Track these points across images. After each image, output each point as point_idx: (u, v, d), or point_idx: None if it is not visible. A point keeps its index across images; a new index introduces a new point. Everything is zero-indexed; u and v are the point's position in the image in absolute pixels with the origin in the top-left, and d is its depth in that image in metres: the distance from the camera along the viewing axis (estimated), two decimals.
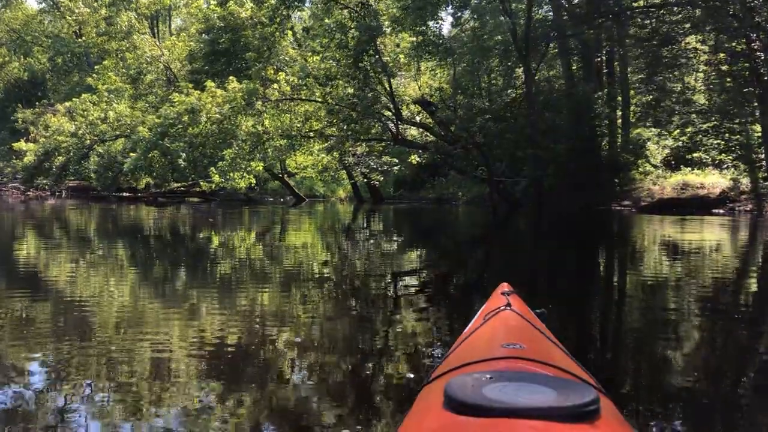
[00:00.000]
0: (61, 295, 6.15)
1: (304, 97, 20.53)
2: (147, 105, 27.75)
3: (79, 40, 40.05)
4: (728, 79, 19.93)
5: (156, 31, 39.37)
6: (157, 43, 31.62)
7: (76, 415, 2.96)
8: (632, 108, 22.63)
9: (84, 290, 6.44)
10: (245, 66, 26.56)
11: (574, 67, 22.80)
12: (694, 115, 20.86)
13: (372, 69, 19.91)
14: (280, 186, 29.96)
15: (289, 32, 25.77)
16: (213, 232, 14.39)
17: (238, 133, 20.18)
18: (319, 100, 20.33)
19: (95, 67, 33.49)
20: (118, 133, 27.70)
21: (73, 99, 29.98)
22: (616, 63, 22.80)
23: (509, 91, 23.23)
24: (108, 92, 28.76)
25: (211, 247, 11.24)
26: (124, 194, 31.80)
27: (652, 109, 21.59)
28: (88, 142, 28.08)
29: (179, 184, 27.89)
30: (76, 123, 28.28)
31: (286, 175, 27.61)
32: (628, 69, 22.46)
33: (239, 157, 20.41)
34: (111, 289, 6.55)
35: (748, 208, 17.97)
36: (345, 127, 20.81)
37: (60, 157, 29.11)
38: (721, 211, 18.06)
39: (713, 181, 19.47)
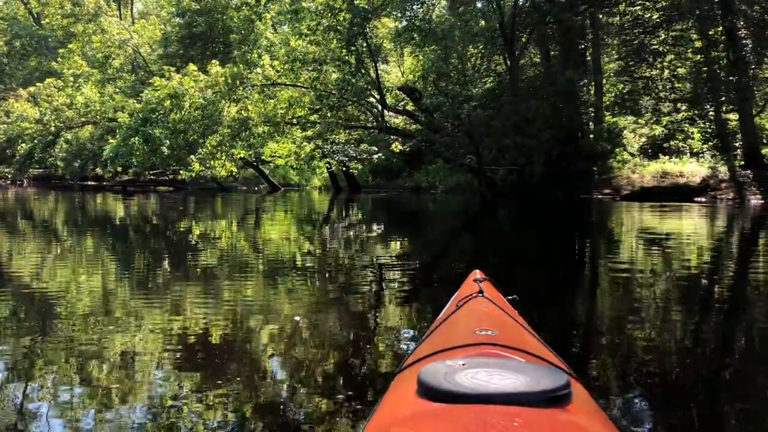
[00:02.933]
0: (26, 287, 6.10)
1: (289, 83, 20.24)
2: (117, 90, 27.35)
3: (43, 22, 39.29)
4: (704, 68, 20.25)
5: (119, 15, 38.77)
6: (126, 26, 31.17)
7: (40, 410, 2.95)
8: (608, 96, 22.95)
9: (50, 282, 6.39)
10: (223, 50, 26.23)
11: (552, 54, 22.96)
12: (671, 104, 21.15)
13: (364, 53, 19.65)
14: (253, 174, 29.76)
15: (267, 15, 25.52)
16: (184, 222, 14.29)
17: (224, 119, 19.82)
18: (307, 85, 19.96)
19: (60, 50, 32.86)
20: (84, 119, 27.29)
21: (37, 84, 29.39)
22: (589, 51, 23.05)
23: (492, 78, 23.29)
24: (74, 77, 28.27)
25: (182, 238, 11.17)
26: (89, 183, 31.45)
27: (631, 98, 21.86)
28: (53, 128, 27.61)
29: (148, 173, 27.53)
30: (40, 109, 27.75)
31: (259, 164, 27.47)
32: (603, 58, 22.78)
33: (222, 144, 20.10)
34: (79, 281, 6.50)
35: (730, 197, 18.26)
36: (329, 114, 20.61)
37: (23, 145, 28.57)
38: (704, 199, 18.32)
39: (691, 169, 19.75)
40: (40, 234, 11.46)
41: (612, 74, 23.18)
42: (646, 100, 21.92)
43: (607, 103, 22.73)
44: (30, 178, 32.99)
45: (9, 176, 31.87)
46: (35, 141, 28.20)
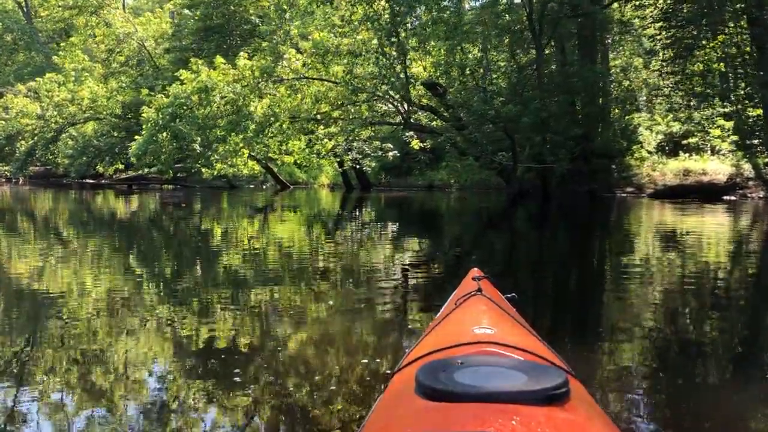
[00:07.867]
0: (28, 290, 6.20)
1: (317, 77, 19.93)
2: (122, 85, 27.48)
3: (42, 14, 39.51)
4: (722, 65, 20.11)
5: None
6: (130, 19, 31.37)
7: (38, 414, 3.03)
8: (617, 92, 23.06)
9: (53, 286, 6.48)
10: (239, 44, 26.12)
11: (568, 49, 22.97)
12: (695, 100, 21.04)
13: (406, 44, 19.30)
14: (260, 172, 29.82)
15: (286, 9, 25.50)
16: (194, 221, 14.38)
17: (254, 114, 19.61)
18: (337, 79, 19.64)
19: (61, 44, 33.06)
20: (87, 115, 27.47)
21: (36, 79, 29.60)
22: (601, 48, 23.11)
23: (516, 72, 23.25)
24: (75, 71, 28.43)
25: (195, 238, 11.25)
26: (87, 181, 31.65)
27: (632, 95, 21.97)
28: (53, 125, 27.80)
29: (149, 170, 27.49)
30: (41, 104, 27.93)
31: (267, 161, 27.50)
32: (611, 53, 22.90)
33: (253, 142, 19.98)
34: (88, 283, 6.59)
35: (761, 195, 18.14)
36: (352, 110, 20.45)
37: (23, 141, 28.77)
38: (733, 197, 18.22)
39: (714, 167, 19.62)
40: (45, 235, 11.57)
41: (619, 70, 23.35)
42: (650, 92, 22.00)
43: (622, 103, 22.90)
44: (26, 176, 33.14)
45: (9, 174, 32.04)
46: (36, 138, 28.40)
